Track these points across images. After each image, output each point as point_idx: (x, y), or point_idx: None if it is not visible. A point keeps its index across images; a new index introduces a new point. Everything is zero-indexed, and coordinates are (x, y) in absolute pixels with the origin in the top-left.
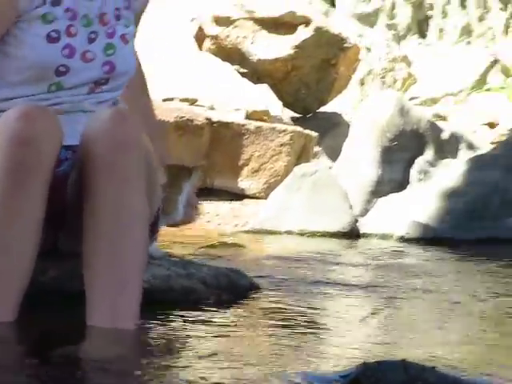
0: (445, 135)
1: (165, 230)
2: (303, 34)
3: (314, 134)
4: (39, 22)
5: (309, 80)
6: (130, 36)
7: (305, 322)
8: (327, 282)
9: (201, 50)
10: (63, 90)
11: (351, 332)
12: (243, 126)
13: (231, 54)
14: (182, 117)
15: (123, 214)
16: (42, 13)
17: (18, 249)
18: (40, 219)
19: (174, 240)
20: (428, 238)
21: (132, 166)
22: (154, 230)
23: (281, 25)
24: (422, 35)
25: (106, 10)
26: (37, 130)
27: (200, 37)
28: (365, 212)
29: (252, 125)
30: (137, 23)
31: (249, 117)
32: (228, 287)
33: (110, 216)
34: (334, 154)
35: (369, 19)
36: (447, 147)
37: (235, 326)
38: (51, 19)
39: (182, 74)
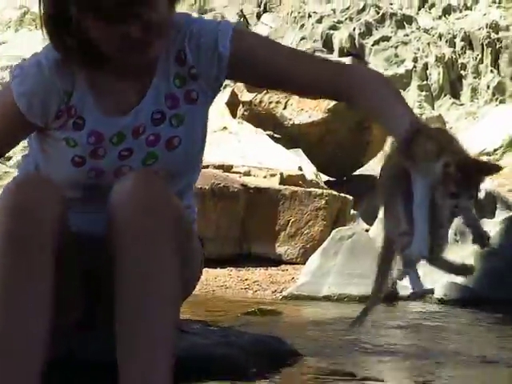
0: (481, 195)
1: (204, 298)
2: None
3: (350, 197)
4: (63, 143)
5: (344, 143)
6: (181, 136)
7: None
8: (367, 348)
9: (234, 116)
10: (100, 196)
11: None
12: (279, 191)
13: (265, 120)
14: (218, 184)
15: (150, 276)
16: (63, 136)
17: (27, 326)
18: (47, 291)
19: (212, 308)
20: (467, 298)
21: (159, 229)
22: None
23: None
24: (455, 95)
25: (142, 120)
26: (31, 200)
27: (233, 103)
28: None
29: (288, 190)
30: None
31: (284, 182)
32: (268, 354)
33: (136, 279)
34: (370, 217)
35: (401, 80)
36: (484, 207)
37: None
38: (73, 144)
39: (217, 141)
